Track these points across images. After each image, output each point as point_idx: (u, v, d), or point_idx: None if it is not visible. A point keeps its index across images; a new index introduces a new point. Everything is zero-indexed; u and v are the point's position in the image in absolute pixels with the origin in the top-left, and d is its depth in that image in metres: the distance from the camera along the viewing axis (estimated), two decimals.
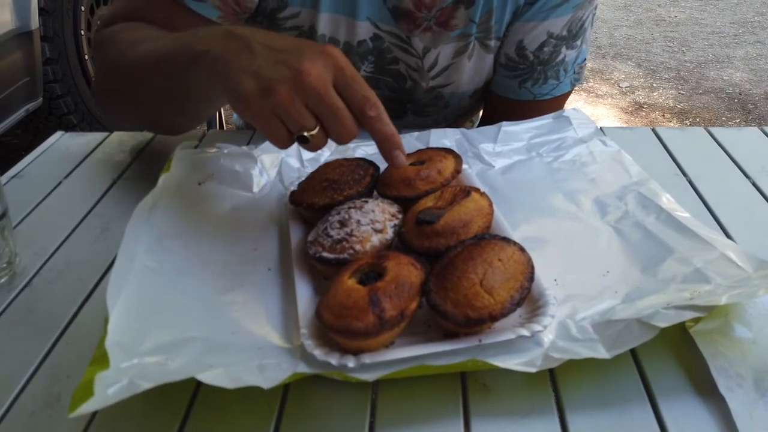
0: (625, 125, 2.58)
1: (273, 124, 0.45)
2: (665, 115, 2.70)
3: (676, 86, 2.97)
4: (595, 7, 0.73)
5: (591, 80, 2.99)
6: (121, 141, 0.73)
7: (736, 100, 2.81)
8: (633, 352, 0.41)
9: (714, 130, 0.73)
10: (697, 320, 0.41)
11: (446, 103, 0.78)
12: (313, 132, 0.45)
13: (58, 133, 0.75)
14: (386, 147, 0.47)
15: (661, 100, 2.83)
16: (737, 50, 3.38)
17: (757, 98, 2.83)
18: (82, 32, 2.05)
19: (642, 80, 3.03)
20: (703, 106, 2.76)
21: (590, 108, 2.71)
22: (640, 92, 2.91)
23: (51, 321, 0.46)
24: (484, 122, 0.85)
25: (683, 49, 3.41)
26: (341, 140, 0.47)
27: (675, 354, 0.42)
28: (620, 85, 2.98)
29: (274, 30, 0.71)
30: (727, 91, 2.90)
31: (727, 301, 0.41)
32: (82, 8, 2.04)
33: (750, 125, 2.58)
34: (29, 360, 0.43)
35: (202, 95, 0.52)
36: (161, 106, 0.59)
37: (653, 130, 0.74)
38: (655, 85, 2.98)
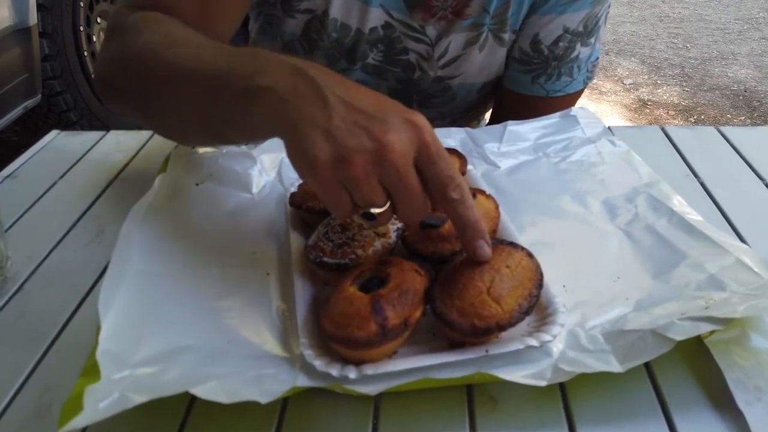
0: (629, 122, 2.56)
1: (338, 194, 0.39)
2: (669, 112, 2.68)
3: (680, 83, 2.94)
4: (609, 6, 0.72)
5: (594, 78, 2.97)
6: (118, 140, 0.72)
7: (741, 97, 2.79)
8: (646, 363, 0.39)
9: (725, 129, 0.72)
10: (712, 330, 0.40)
11: (453, 95, 0.76)
12: (382, 210, 0.40)
13: (53, 132, 0.73)
14: (469, 236, 0.40)
15: (665, 97, 2.81)
16: (742, 47, 3.35)
17: (762, 95, 2.81)
18: (81, 28, 2.03)
19: (646, 77, 3.01)
20: (707, 103, 2.74)
21: (594, 105, 2.69)
22: (644, 89, 2.89)
23: (43, 327, 0.45)
24: (493, 118, 0.83)
25: (687, 45, 3.38)
26: (409, 222, 0.43)
27: (690, 365, 0.40)
28: (624, 82, 2.96)
29: (287, 12, 0.69)
30: (732, 87, 2.88)
31: (744, 312, 0.39)
32: (81, 4, 2.02)
33: (755, 122, 2.56)
34: (19, 368, 0.42)
35: (249, 130, 0.45)
36: (184, 120, 0.52)
37: (662, 128, 0.72)
38: (659, 81, 2.96)
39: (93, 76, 2.06)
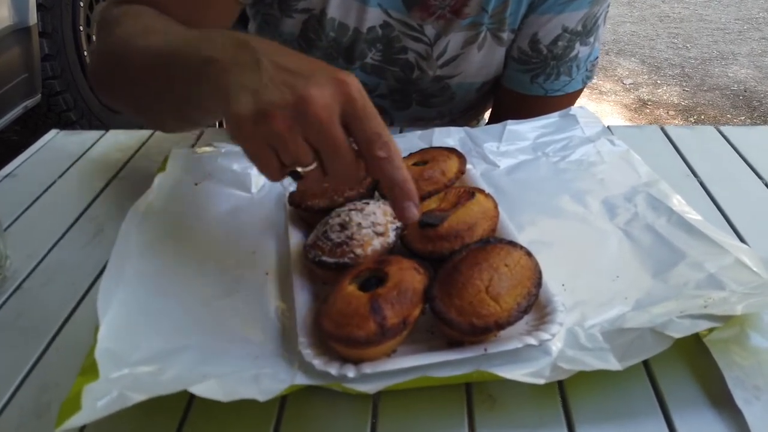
0: (629, 122, 2.56)
1: (264, 154, 0.39)
2: (669, 112, 2.68)
3: (680, 83, 2.94)
4: (608, 5, 0.72)
5: (594, 77, 2.97)
6: (117, 140, 0.72)
7: (741, 97, 2.79)
8: (645, 362, 0.40)
9: (724, 128, 0.72)
10: (711, 329, 0.40)
11: (452, 95, 0.76)
12: (309, 168, 0.39)
13: (53, 132, 0.73)
14: (396, 195, 0.39)
15: (665, 97, 2.81)
16: (742, 47, 3.35)
17: (762, 95, 2.81)
18: (81, 28, 2.03)
19: (646, 77, 3.01)
20: (707, 103, 2.74)
21: (594, 105, 2.69)
22: (644, 89, 2.89)
23: (41, 326, 0.45)
24: (492, 118, 0.83)
25: (687, 45, 3.38)
26: (339, 181, 0.41)
27: (689, 364, 0.40)
28: (624, 82, 2.96)
29: (284, 11, 0.69)
30: (732, 88, 2.88)
31: (744, 310, 0.39)
32: (81, 4, 2.02)
33: (755, 122, 2.56)
34: (18, 367, 0.42)
35: (203, 106, 0.46)
36: (159, 105, 0.54)
37: (662, 128, 0.72)
38: (659, 81, 2.96)
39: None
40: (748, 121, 2.59)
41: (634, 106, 2.73)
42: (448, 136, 0.66)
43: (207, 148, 0.62)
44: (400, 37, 0.71)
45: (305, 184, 0.41)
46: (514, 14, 0.70)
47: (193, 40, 0.46)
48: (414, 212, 0.40)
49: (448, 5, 0.68)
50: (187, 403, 0.38)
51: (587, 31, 0.71)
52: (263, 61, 0.39)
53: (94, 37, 2.11)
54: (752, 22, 3.72)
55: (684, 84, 2.93)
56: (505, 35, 0.71)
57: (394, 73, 0.74)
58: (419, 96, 0.77)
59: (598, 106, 2.69)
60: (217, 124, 1.15)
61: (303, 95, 0.37)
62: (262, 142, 0.38)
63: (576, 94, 0.77)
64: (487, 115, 0.92)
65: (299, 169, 0.39)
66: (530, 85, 0.74)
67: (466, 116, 0.84)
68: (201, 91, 0.43)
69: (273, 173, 0.40)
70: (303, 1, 0.68)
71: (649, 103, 2.76)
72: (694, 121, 2.58)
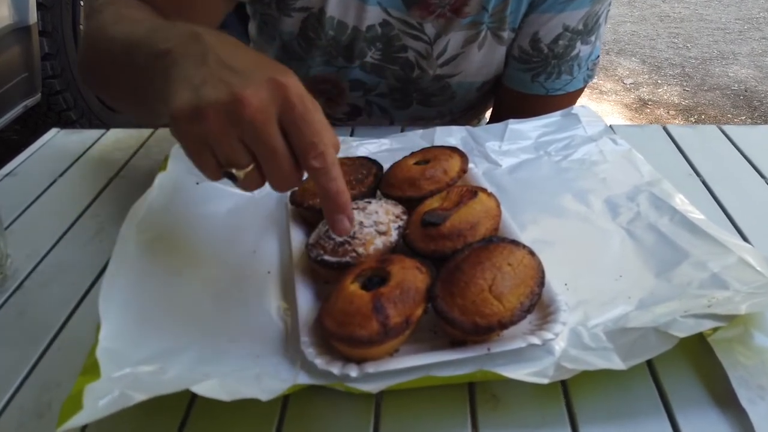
0: (629, 122, 2.56)
1: (199, 152, 0.38)
2: (670, 111, 2.67)
3: (680, 83, 2.94)
4: (609, 4, 0.72)
5: (595, 76, 2.97)
6: (118, 138, 0.71)
7: (741, 97, 2.79)
8: (648, 361, 0.39)
9: (727, 128, 0.71)
10: (715, 328, 0.39)
11: (453, 94, 0.76)
12: (246, 170, 0.38)
13: (53, 130, 0.73)
14: (329, 207, 0.39)
15: (665, 97, 2.80)
16: (742, 47, 3.35)
17: (763, 95, 2.81)
18: (81, 27, 2.03)
19: (646, 77, 3.01)
20: (708, 103, 2.74)
21: (594, 104, 2.69)
22: (644, 89, 2.89)
23: (42, 326, 0.45)
24: (493, 117, 0.83)
25: (688, 45, 3.38)
26: (276, 187, 0.39)
27: (693, 363, 0.40)
28: (624, 82, 2.95)
29: (282, 10, 0.69)
30: (733, 87, 2.88)
31: (748, 310, 0.39)
32: (81, 2, 2.02)
33: (756, 122, 2.56)
34: (19, 367, 0.41)
35: (161, 96, 0.42)
36: (130, 97, 0.53)
37: (664, 127, 0.72)
38: (659, 81, 2.96)
39: None
40: (749, 120, 2.59)
41: (634, 105, 2.73)
42: (450, 135, 0.65)
43: None
44: (400, 35, 0.70)
45: (243, 186, 0.39)
46: (514, 13, 0.69)
47: (154, 31, 0.45)
48: (346, 225, 0.39)
49: (448, 4, 0.68)
50: (188, 402, 0.38)
51: (588, 29, 0.71)
52: (210, 56, 0.39)
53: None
54: (753, 22, 3.72)
55: (684, 84, 2.93)
56: (506, 34, 0.71)
57: (394, 71, 0.74)
58: (419, 95, 0.76)
59: (599, 106, 2.69)
60: None
61: (238, 95, 0.36)
62: (197, 140, 0.37)
63: (577, 93, 0.77)
64: (488, 114, 0.92)
65: (234, 171, 0.38)
66: (531, 84, 0.74)
67: (466, 115, 0.84)
68: (157, 82, 0.42)
69: (210, 172, 0.39)
70: (301, 0, 0.68)
71: (650, 102, 2.76)
72: (695, 121, 2.58)
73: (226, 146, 0.37)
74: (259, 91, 0.36)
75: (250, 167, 0.38)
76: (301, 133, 0.37)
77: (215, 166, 0.38)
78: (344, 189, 0.39)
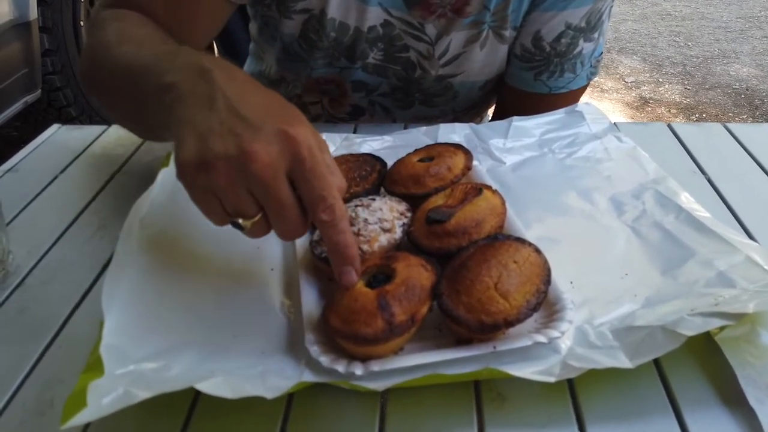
0: (631, 120, 2.56)
1: (206, 200, 0.38)
2: (671, 110, 2.67)
3: (682, 81, 2.94)
4: (612, 0, 0.71)
5: (598, 73, 2.96)
6: (120, 135, 0.71)
7: (742, 96, 2.79)
8: (655, 360, 0.39)
9: (731, 126, 0.71)
10: (722, 327, 0.39)
11: (455, 94, 0.76)
12: (253, 220, 0.38)
13: (55, 126, 0.73)
14: (336, 260, 0.39)
15: (667, 96, 2.80)
16: (744, 45, 3.35)
17: (764, 94, 2.80)
18: (82, 23, 2.02)
19: (648, 75, 3.01)
20: (709, 102, 2.74)
21: (596, 103, 2.67)
22: (645, 87, 2.88)
23: (44, 323, 0.44)
24: (496, 116, 0.83)
25: (689, 43, 3.38)
26: (282, 236, 0.40)
27: (700, 362, 0.40)
28: (626, 80, 2.95)
29: (283, 13, 0.69)
30: (734, 86, 2.87)
31: (756, 308, 0.38)
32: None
33: (757, 120, 2.56)
34: (21, 364, 0.41)
35: (164, 129, 0.42)
36: (132, 117, 0.54)
37: (669, 125, 0.72)
38: (661, 80, 2.95)
39: None
40: (750, 119, 2.59)
41: (635, 104, 2.73)
42: (454, 132, 0.65)
43: None
44: (402, 35, 0.70)
45: (249, 234, 0.39)
46: (516, 11, 0.69)
47: (159, 60, 0.45)
48: (353, 278, 0.39)
49: (449, 4, 0.67)
50: (192, 399, 0.38)
51: (591, 27, 0.70)
52: (218, 99, 0.38)
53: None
54: (754, 21, 3.72)
55: (686, 82, 2.93)
56: (507, 33, 0.70)
57: (396, 71, 0.73)
58: (422, 95, 0.76)
59: (600, 105, 2.69)
60: None
61: (247, 150, 0.36)
62: (204, 189, 0.37)
63: (580, 91, 0.77)
64: (490, 112, 0.92)
65: (241, 221, 0.38)
66: (534, 82, 0.74)
67: (469, 114, 0.83)
68: (160, 115, 0.41)
69: (216, 219, 0.39)
70: (302, 2, 0.68)
71: (651, 101, 2.75)
72: (696, 120, 2.57)
73: (233, 197, 0.37)
74: (269, 145, 0.36)
75: (258, 217, 0.38)
76: (310, 187, 0.37)
77: (222, 214, 0.38)
78: (352, 242, 0.39)
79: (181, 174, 0.37)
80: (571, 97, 0.75)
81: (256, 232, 0.39)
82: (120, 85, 0.50)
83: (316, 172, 0.37)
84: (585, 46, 0.71)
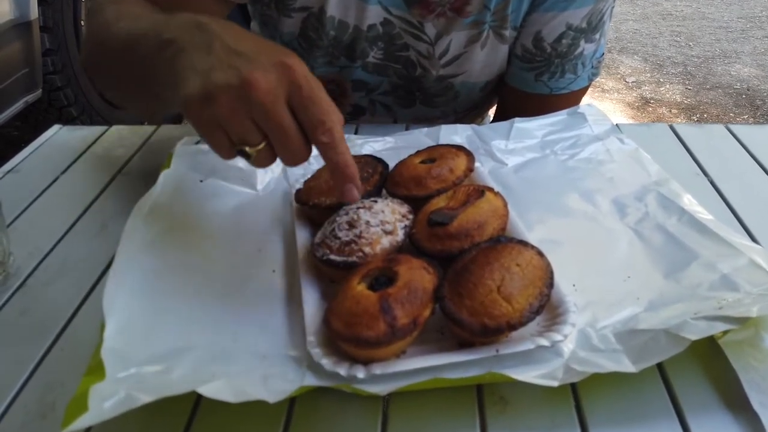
0: (632, 120, 2.56)
1: (212, 133, 0.40)
2: (672, 110, 2.67)
3: (683, 81, 2.93)
4: (614, 0, 0.71)
5: (600, 74, 2.96)
6: (121, 135, 0.71)
7: (744, 96, 2.78)
8: (659, 363, 0.39)
9: (734, 127, 0.71)
10: (726, 331, 0.39)
11: (456, 94, 0.76)
12: (258, 148, 0.40)
13: (56, 127, 0.73)
14: (338, 179, 0.42)
15: (668, 96, 2.80)
16: (745, 45, 3.34)
17: (765, 94, 2.80)
18: (82, 22, 2.02)
19: (649, 75, 3.00)
20: (710, 102, 2.73)
21: (596, 103, 2.68)
22: (646, 87, 2.88)
23: (45, 325, 0.44)
24: (497, 117, 0.83)
25: (690, 43, 3.37)
26: (287, 162, 0.42)
27: (704, 366, 0.39)
28: (627, 80, 2.95)
29: (281, 11, 0.69)
30: (735, 86, 2.87)
31: (760, 312, 0.38)
32: None
33: (758, 121, 2.56)
34: (22, 366, 0.41)
35: (168, 84, 0.45)
36: (133, 88, 0.55)
37: (671, 126, 0.71)
38: (662, 80, 2.95)
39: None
40: (751, 119, 2.58)
41: (636, 104, 2.73)
42: (455, 134, 0.65)
43: None
44: (402, 34, 0.70)
45: (256, 163, 0.42)
46: (515, 11, 0.69)
47: (157, 23, 0.47)
48: (355, 194, 0.42)
49: (449, 3, 0.67)
50: (194, 402, 0.38)
51: (592, 27, 0.70)
52: (215, 44, 0.41)
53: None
54: (755, 21, 3.71)
55: (687, 82, 2.92)
56: (507, 33, 0.70)
57: (396, 70, 0.73)
58: (422, 95, 0.76)
59: (601, 105, 2.69)
60: None
61: (247, 78, 0.38)
62: (210, 122, 0.39)
63: (582, 92, 0.76)
64: (491, 113, 0.92)
65: (247, 149, 0.40)
66: (534, 83, 0.73)
67: (470, 115, 0.83)
68: (163, 71, 0.44)
69: (223, 151, 0.41)
70: (300, 0, 0.67)
71: (652, 101, 2.75)
72: (697, 120, 2.57)
73: (237, 126, 0.39)
74: (268, 73, 0.38)
75: (262, 145, 0.40)
76: (309, 112, 0.39)
77: (228, 146, 0.41)
78: (352, 162, 0.41)
79: (187, 110, 0.40)
80: (573, 98, 0.75)
81: (261, 160, 0.41)
82: (121, 58, 0.52)
83: (313, 98, 0.39)
84: (586, 47, 0.71)
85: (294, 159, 0.41)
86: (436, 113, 0.79)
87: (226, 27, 0.43)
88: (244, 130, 0.39)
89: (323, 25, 0.68)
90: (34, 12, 1.76)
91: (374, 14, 0.68)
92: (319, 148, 0.40)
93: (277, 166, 0.59)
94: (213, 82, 0.39)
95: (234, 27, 0.44)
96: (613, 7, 0.72)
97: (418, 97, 0.76)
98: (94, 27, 0.58)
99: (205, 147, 0.61)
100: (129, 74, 0.52)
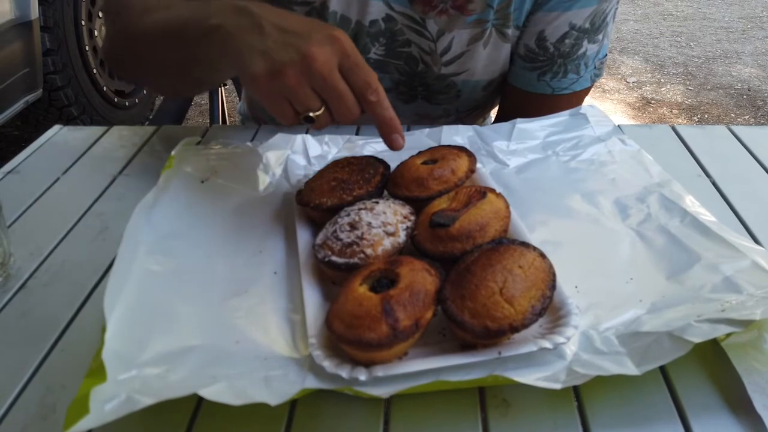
0: (632, 121, 2.55)
1: (280, 104, 0.47)
2: (673, 110, 2.67)
3: (684, 82, 2.93)
4: (617, 1, 0.71)
5: (603, 74, 2.95)
6: (121, 135, 0.71)
7: (744, 96, 2.78)
8: (661, 366, 0.39)
9: (736, 128, 0.71)
10: (729, 333, 0.39)
11: (458, 92, 0.75)
12: (318, 113, 0.48)
13: (56, 127, 0.73)
14: (385, 130, 0.50)
15: (669, 96, 2.80)
16: (746, 46, 3.34)
17: (766, 94, 2.80)
18: (83, 22, 2.02)
19: (649, 75, 3.00)
20: (711, 102, 2.73)
21: (597, 103, 2.68)
22: (647, 87, 2.88)
23: (46, 326, 0.44)
24: (499, 117, 0.82)
25: (691, 44, 3.37)
26: (344, 121, 0.49)
27: (706, 368, 0.39)
28: (627, 80, 2.94)
29: (284, 6, 0.69)
30: (736, 87, 2.87)
31: (763, 315, 0.38)
32: None
33: (759, 121, 2.55)
34: (22, 368, 0.41)
35: (214, 67, 0.54)
36: (173, 73, 0.60)
37: (673, 127, 0.71)
38: (662, 80, 2.95)
39: (94, 69, 2.05)
40: (752, 120, 2.58)
41: (637, 104, 2.72)
42: (457, 134, 0.65)
43: (213, 146, 0.62)
44: (404, 30, 0.70)
45: (318, 125, 0.49)
46: (518, 10, 0.68)
47: (195, 9, 0.53)
48: (400, 142, 0.50)
49: (451, 0, 0.67)
50: (196, 404, 0.38)
51: (595, 28, 0.70)
52: (265, 25, 0.47)
53: (101, 37, 2.11)
54: (756, 21, 3.71)
55: (687, 83, 2.92)
56: (510, 31, 0.70)
57: (398, 66, 0.73)
58: (425, 91, 0.76)
59: (602, 105, 2.68)
60: (220, 119, 1.14)
61: (307, 54, 0.45)
62: (277, 94, 0.47)
63: (584, 92, 0.76)
64: (493, 113, 0.91)
65: (311, 114, 0.48)
66: (537, 83, 0.73)
67: (472, 114, 0.83)
68: (212, 54, 0.51)
69: (288, 119, 0.48)
70: None
71: (653, 101, 2.75)
72: (698, 120, 2.57)
73: (302, 96, 0.46)
74: (323, 46, 0.46)
75: (322, 110, 0.48)
76: (358, 76, 0.47)
77: (292, 114, 0.48)
78: (395, 115, 0.49)
79: (257, 86, 0.47)
80: (575, 98, 0.75)
81: (322, 122, 0.49)
82: (158, 45, 0.57)
83: (360, 64, 0.47)
84: (589, 48, 0.71)
85: (350, 117, 0.48)
86: (438, 111, 0.79)
87: (263, 8, 0.49)
88: (308, 98, 0.46)
89: (325, 20, 0.68)
90: (34, 12, 1.76)
91: (376, 10, 0.68)
92: (367, 106, 0.48)
93: (279, 165, 0.60)
94: (277, 59, 0.45)
95: (268, 7, 0.49)
96: (616, 8, 0.72)
97: (420, 92, 0.76)
98: (122, 21, 0.62)
99: (205, 147, 0.61)
100: (168, 60, 0.58)
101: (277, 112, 0.48)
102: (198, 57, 0.52)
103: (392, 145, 0.50)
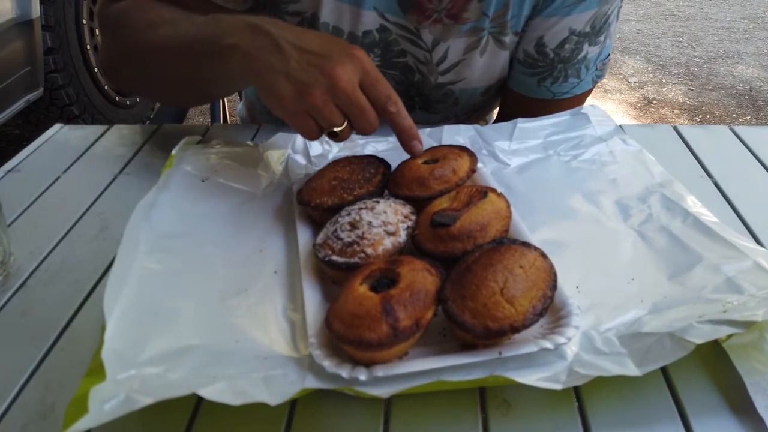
0: (634, 121, 2.55)
1: (306, 121, 0.49)
2: (675, 111, 2.66)
3: (685, 82, 2.93)
4: (621, 1, 0.70)
5: (605, 74, 2.95)
6: (122, 134, 0.71)
7: (746, 97, 2.77)
8: (663, 367, 0.39)
9: (738, 128, 0.71)
10: (730, 334, 0.39)
11: (456, 100, 0.75)
12: (342, 127, 0.49)
13: (57, 126, 0.72)
14: (405, 138, 0.52)
15: (670, 96, 2.79)
16: (748, 46, 3.33)
17: None
18: (84, 21, 2.02)
19: (651, 75, 3.00)
20: (713, 103, 2.73)
21: (599, 103, 2.66)
22: (649, 87, 2.87)
23: (46, 325, 0.44)
24: (499, 119, 0.82)
25: (693, 44, 3.36)
26: (365, 133, 0.51)
27: (708, 369, 0.39)
28: (629, 81, 2.94)
29: (276, 17, 0.68)
30: (738, 87, 2.86)
31: (765, 316, 0.38)
32: None
33: (761, 122, 2.55)
34: (22, 367, 0.41)
35: (228, 83, 0.56)
36: (180, 87, 0.61)
37: (675, 128, 0.71)
38: (664, 80, 2.94)
39: (96, 67, 2.05)
40: (754, 120, 2.58)
41: (639, 104, 2.72)
42: (458, 134, 0.65)
43: (214, 145, 0.61)
44: (399, 40, 0.69)
45: (340, 138, 0.51)
46: (516, 17, 0.67)
47: (205, 26, 0.54)
48: (420, 148, 0.53)
49: (445, 9, 0.66)
50: (195, 403, 0.38)
51: (597, 31, 0.69)
52: (284, 45, 0.49)
53: (98, 33, 2.11)
54: (758, 21, 3.70)
55: (689, 83, 2.92)
56: (508, 39, 0.69)
57: (394, 76, 0.72)
58: (422, 100, 0.75)
59: (603, 105, 2.68)
60: (221, 119, 1.14)
61: (331, 74, 0.47)
62: (303, 113, 0.48)
63: (585, 95, 0.75)
64: (494, 114, 0.91)
65: (335, 129, 0.50)
66: (537, 88, 0.72)
67: (471, 118, 0.83)
68: (227, 73, 0.52)
69: (313, 135, 0.50)
70: (293, 4, 0.67)
71: (654, 101, 2.74)
72: (700, 120, 2.56)
73: (327, 114, 0.48)
74: (345, 65, 0.48)
75: (345, 124, 0.50)
76: (377, 91, 0.50)
77: (317, 130, 0.50)
78: (413, 123, 0.52)
79: (282, 106, 0.49)
80: (576, 102, 0.74)
81: (345, 136, 0.51)
82: (168, 61, 0.58)
83: (379, 78, 0.50)
84: (590, 50, 0.70)
85: (371, 129, 0.50)
86: (437, 118, 0.78)
87: (276, 25, 0.50)
88: (333, 115, 0.48)
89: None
90: (35, 11, 1.76)
91: (370, 20, 0.67)
92: (387, 117, 0.50)
93: (279, 164, 0.60)
94: (302, 81, 0.47)
95: (281, 24, 0.51)
96: (620, 8, 0.70)
97: (417, 102, 0.75)
98: (123, 35, 0.62)
99: (206, 147, 0.61)
100: (175, 75, 0.58)
101: (302, 128, 0.49)
102: (211, 74, 0.53)
103: (412, 151, 0.53)
